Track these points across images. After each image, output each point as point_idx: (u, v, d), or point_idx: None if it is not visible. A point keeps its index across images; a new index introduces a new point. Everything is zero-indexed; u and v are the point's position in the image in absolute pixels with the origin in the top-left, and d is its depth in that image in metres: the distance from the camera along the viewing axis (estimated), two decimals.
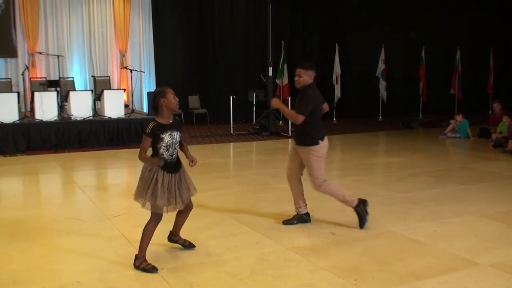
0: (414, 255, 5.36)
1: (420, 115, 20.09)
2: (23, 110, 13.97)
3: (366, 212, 6.20)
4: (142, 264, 4.90)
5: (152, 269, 4.85)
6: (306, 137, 6.13)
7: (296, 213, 6.47)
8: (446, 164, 10.97)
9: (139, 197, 5.11)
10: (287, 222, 6.39)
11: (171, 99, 4.93)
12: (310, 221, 6.41)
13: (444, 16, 21.10)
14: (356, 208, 6.21)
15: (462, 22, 21.27)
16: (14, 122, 12.46)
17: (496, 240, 5.83)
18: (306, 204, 6.48)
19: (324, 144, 6.14)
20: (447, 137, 14.45)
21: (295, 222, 6.39)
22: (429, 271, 4.90)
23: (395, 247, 5.59)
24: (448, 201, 7.53)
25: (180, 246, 5.54)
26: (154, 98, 5.03)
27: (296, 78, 6.42)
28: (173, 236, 5.57)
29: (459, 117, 14.71)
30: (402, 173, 9.18)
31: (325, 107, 6.45)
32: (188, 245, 5.54)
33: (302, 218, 6.43)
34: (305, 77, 6.40)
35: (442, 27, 21.16)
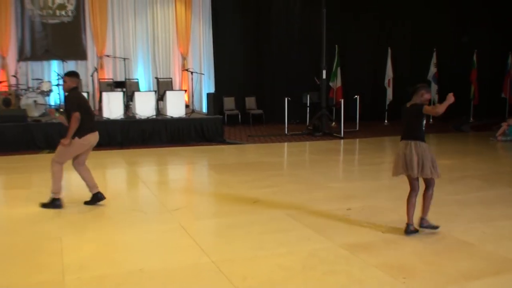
0: (462, 256, 5.24)
1: (471, 118, 19.65)
2: (92, 109, 14.25)
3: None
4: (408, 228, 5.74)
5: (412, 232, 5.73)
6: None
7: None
8: (497, 167, 10.69)
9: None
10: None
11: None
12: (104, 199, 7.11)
13: (496, 21, 20.56)
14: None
15: None
16: None
17: None
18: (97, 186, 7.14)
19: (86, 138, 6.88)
20: (498, 140, 14.09)
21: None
22: (478, 273, 4.78)
23: (444, 247, 5.48)
24: (498, 204, 7.34)
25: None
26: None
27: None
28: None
29: (510, 120, 14.36)
30: (452, 175, 9.01)
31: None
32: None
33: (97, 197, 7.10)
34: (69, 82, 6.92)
35: (494, 31, 20.63)
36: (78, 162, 7.12)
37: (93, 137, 7.07)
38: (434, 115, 5.80)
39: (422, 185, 5.95)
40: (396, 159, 6.07)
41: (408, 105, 6.09)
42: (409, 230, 5.79)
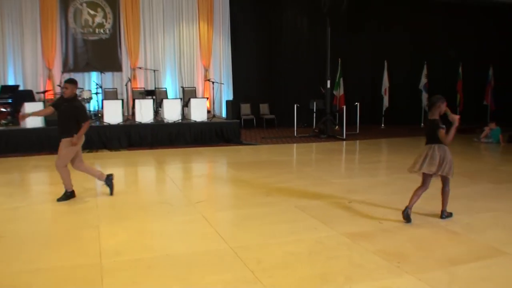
0: (450, 243, 5.22)
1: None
2: (125, 114, 14.35)
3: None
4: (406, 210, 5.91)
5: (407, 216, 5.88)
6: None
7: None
8: (480, 165, 10.60)
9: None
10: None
11: None
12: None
13: (479, 36, 20.41)
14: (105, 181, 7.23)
15: (494, 42, 20.54)
16: (118, 123, 12.83)
17: None
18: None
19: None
20: (481, 142, 13.98)
21: None
22: (463, 258, 4.76)
23: (433, 236, 5.46)
24: (481, 198, 7.29)
25: None
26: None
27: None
28: None
29: (492, 125, 14.25)
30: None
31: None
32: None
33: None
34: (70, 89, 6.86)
35: (477, 46, 20.48)
36: (79, 160, 7.21)
37: (83, 138, 7.08)
38: (445, 143, 5.84)
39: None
40: (417, 158, 6.08)
41: (430, 117, 6.08)
42: (406, 213, 5.92)
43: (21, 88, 14.36)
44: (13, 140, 11.64)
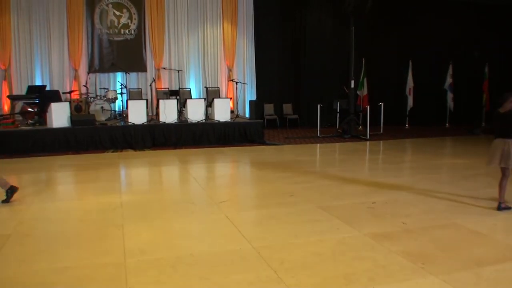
0: (475, 244, 5.13)
1: (483, 123, 19.26)
2: (150, 114, 14.47)
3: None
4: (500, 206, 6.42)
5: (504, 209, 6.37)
6: None
7: None
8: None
9: None
10: None
11: None
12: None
13: (505, 35, 20.11)
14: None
15: None
16: (143, 123, 12.93)
17: None
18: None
19: None
20: None
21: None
22: (488, 259, 4.68)
23: (458, 237, 5.38)
24: (507, 199, 7.17)
25: None
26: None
27: None
28: None
29: None
30: (466, 173, 8.81)
31: None
32: None
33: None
34: None
35: (503, 46, 20.18)
36: None
37: None
38: None
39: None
40: (493, 152, 6.45)
41: (501, 111, 6.34)
42: (500, 207, 6.40)
43: (47, 88, 14.57)
44: (40, 139, 11.84)
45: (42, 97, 13.08)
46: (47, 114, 12.41)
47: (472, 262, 4.61)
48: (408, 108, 18.28)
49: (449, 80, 18.75)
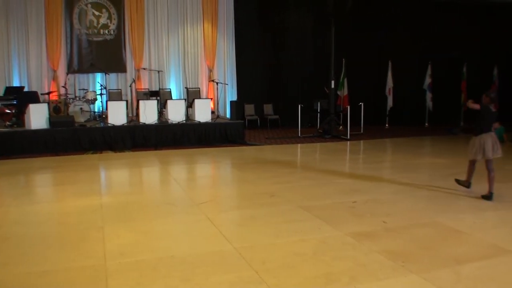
0: (455, 242, 5.20)
1: (462, 123, 19.47)
2: (130, 115, 14.36)
3: None
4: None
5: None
6: None
7: None
8: (484, 164, 10.53)
9: None
10: None
11: None
12: None
13: (484, 36, 20.41)
14: None
15: (499, 42, 20.53)
16: (123, 124, 12.83)
17: None
18: None
19: None
20: None
21: None
22: (468, 257, 4.74)
23: (438, 235, 5.44)
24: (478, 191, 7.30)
25: None
26: None
27: None
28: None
29: (496, 124, 14.15)
30: (445, 172, 8.90)
31: None
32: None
33: None
34: None
35: (481, 46, 20.47)
36: None
37: None
38: None
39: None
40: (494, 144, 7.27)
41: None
42: (489, 196, 7.07)
43: (26, 89, 14.39)
44: (18, 141, 11.67)
45: (20, 98, 12.90)
46: (25, 116, 12.25)
47: (452, 260, 4.66)
48: (388, 108, 18.40)
49: (428, 80, 18.93)
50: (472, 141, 7.31)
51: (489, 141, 7.11)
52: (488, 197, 7.06)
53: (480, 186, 7.60)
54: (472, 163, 7.49)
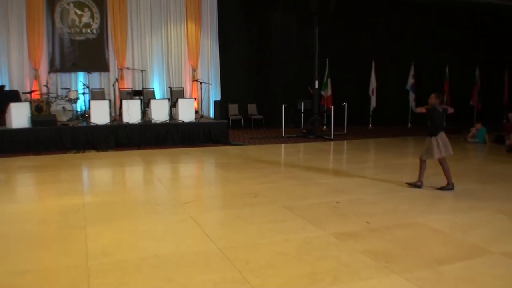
0: (437, 243, 5.23)
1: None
2: (113, 114, 14.28)
3: None
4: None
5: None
6: None
7: None
8: (466, 165, 10.66)
9: None
10: None
11: None
12: None
13: (466, 38, 20.65)
14: None
15: (481, 43, 20.81)
16: (106, 124, 12.76)
17: (509, 232, 5.64)
18: None
19: None
20: (467, 142, 14.11)
21: None
22: (449, 257, 4.77)
23: (420, 235, 5.48)
24: (467, 198, 7.32)
25: None
26: None
27: None
28: None
29: (478, 125, 14.38)
30: (427, 172, 8.98)
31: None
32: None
33: None
34: None
35: (464, 47, 20.70)
36: None
37: None
38: None
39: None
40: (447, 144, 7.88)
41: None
42: (449, 187, 7.60)
43: (6, 88, 14.23)
44: None
45: (0, 97, 12.76)
46: (6, 115, 12.13)
47: (433, 260, 4.69)
48: (371, 108, 18.54)
49: (411, 80, 19.09)
50: (427, 141, 7.97)
51: (440, 142, 7.88)
52: (447, 188, 7.57)
53: (460, 185, 7.69)
54: (424, 162, 7.90)
